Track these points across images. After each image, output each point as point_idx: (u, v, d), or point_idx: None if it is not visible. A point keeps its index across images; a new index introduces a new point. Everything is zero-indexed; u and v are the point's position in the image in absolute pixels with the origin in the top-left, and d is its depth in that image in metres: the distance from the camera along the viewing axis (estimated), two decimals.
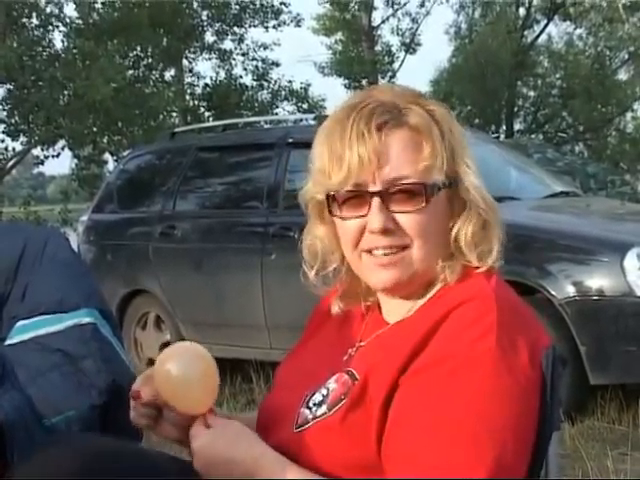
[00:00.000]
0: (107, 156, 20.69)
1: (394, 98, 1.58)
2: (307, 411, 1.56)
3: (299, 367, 1.72)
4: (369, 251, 1.57)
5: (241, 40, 24.15)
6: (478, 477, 1.37)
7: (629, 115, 28.15)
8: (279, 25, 24.20)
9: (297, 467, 1.51)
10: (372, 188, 1.54)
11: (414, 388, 1.45)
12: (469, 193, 1.56)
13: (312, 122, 7.62)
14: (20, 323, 1.90)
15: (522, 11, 27.53)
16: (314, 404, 1.56)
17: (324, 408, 1.54)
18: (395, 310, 1.62)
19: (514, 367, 1.45)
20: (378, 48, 28.30)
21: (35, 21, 19.49)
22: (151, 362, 7.24)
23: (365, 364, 1.55)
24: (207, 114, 23.35)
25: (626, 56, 27.32)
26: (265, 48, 24.12)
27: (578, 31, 28.01)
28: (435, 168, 1.54)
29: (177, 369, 1.56)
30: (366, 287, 1.66)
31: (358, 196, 1.56)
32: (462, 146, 1.58)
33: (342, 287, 1.70)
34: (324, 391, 1.57)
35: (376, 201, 1.54)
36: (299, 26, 24.76)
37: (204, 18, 23.31)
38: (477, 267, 1.56)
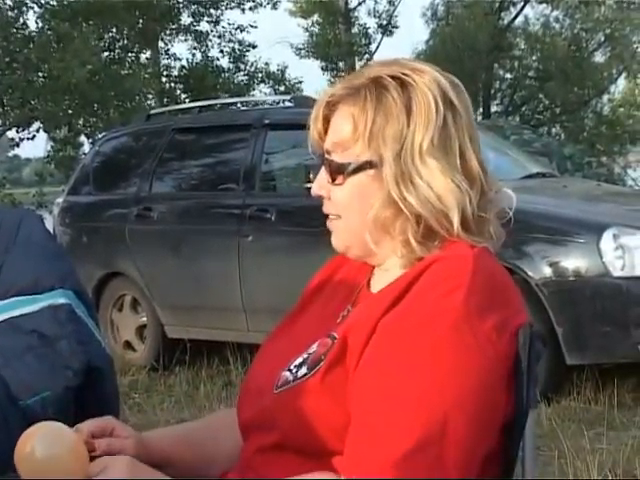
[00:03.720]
0: (83, 138, 20.60)
1: (373, 72, 1.58)
2: (288, 373, 1.55)
3: (286, 338, 1.72)
4: None
5: (217, 22, 24.06)
6: (405, 447, 1.35)
7: (605, 97, 28.29)
8: (255, 7, 24.15)
9: None
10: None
11: (376, 345, 1.45)
12: (383, 180, 1.53)
13: (288, 104, 7.61)
14: None
15: None
16: (295, 366, 1.55)
17: (304, 369, 1.53)
18: (380, 281, 1.61)
19: (478, 332, 1.42)
20: (355, 30, 28.26)
21: (9, 2, 19.30)
22: (127, 344, 7.25)
23: (344, 326, 1.55)
24: (183, 96, 23.28)
25: (602, 38, 27.38)
26: (242, 30, 24.01)
27: (554, 13, 28.02)
28: (353, 149, 1.56)
29: (41, 449, 1.41)
30: None
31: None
32: (401, 135, 1.52)
33: None
34: (305, 355, 1.57)
35: (322, 169, 1.62)
36: (275, 8, 24.74)
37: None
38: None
